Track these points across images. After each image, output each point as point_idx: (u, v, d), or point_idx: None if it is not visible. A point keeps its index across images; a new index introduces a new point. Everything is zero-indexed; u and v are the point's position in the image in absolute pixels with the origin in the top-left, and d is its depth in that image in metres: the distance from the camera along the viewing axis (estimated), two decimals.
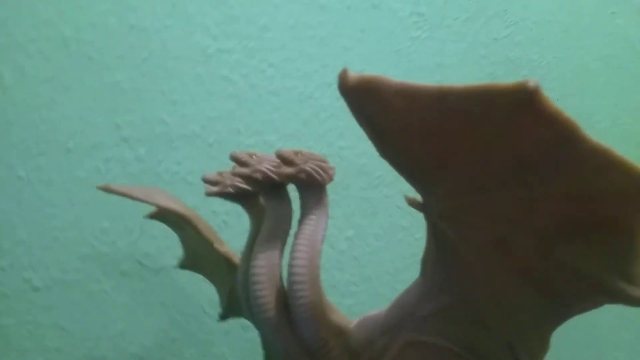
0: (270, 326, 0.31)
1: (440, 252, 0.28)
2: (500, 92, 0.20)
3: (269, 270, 0.31)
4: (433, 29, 0.68)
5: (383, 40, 0.64)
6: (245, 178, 0.31)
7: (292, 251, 0.31)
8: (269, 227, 0.32)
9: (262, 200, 0.34)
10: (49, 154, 0.48)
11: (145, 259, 0.51)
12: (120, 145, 0.51)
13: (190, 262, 0.45)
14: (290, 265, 0.30)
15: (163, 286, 0.52)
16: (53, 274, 0.48)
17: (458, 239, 0.27)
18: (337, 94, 0.71)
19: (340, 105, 0.63)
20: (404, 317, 0.31)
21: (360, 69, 0.64)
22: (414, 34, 0.67)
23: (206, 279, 0.45)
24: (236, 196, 0.33)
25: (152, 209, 0.43)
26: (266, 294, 0.30)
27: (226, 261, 0.39)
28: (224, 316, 0.43)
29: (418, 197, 0.27)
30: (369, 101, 0.22)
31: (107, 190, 0.40)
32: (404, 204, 0.70)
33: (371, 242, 0.65)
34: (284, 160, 0.31)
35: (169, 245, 0.51)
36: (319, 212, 0.32)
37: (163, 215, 0.43)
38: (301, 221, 0.32)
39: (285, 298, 0.31)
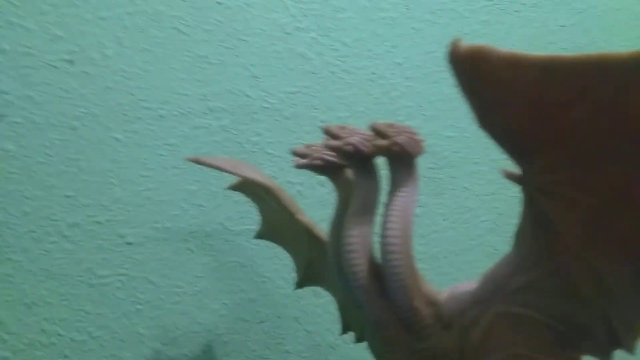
0: (365, 293, 0.32)
1: (535, 226, 0.29)
2: (616, 61, 0.20)
3: (362, 240, 0.32)
4: (502, 13, 0.69)
5: (452, 23, 0.66)
6: (336, 150, 0.32)
7: (385, 222, 0.32)
8: (360, 199, 0.33)
9: (348, 173, 0.35)
10: (143, 119, 0.52)
11: (227, 221, 0.54)
12: (206, 114, 0.54)
13: (268, 233, 0.47)
14: (384, 236, 0.31)
15: (243, 248, 0.54)
16: (145, 231, 0.51)
17: (556, 213, 0.27)
18: (407, 74, 0.73)
19: (410, 85, 0.65)
20: (496, 289, 0.32)
21: (430, 50, 0.65)
22: (483, 18, 0.68)
23: (283, 249, 0.47)
24: (324, 168, 0.34)
25: (234, 179, 0.45)
26: (360, 263, 0.32)
27: (306, 231, 0.40)
28: (300, 284, 0.44)
29: (514, 170, 0.27)
30: (477, 71, 0.23)
31: (196, 162, 0.42)
32: (471, 185, 0.71)
33: (438, 222, 0.66)
34: (378, 132, 0.31)
35: (250, 210, 0.53)
36: (410, 184, 0.32)
37: (244, 186, 0.45)
38: (392, 193, 0.32)
39: (377, 268, 0.32)
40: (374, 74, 0.63)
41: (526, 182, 0.27)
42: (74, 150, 0.49)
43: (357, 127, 0.32)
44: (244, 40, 0.57)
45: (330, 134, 0.32)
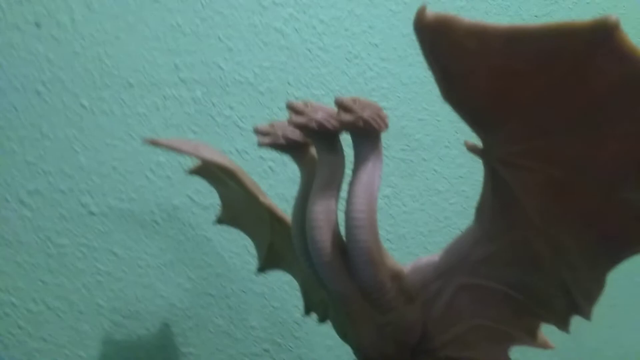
0: (329, 270, 0.32)
1: (497, 198, 0.29)
2: (577, 30, 0.20)
3: (326, 216, 0.32)
4: (477, 0, 0.69)
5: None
6: (301, 127, 0.32)
7: (350, 197, 0.31)
8: (324, 175, 0.32)
9: (313, 151, 0.34)
10: (111, 87, 0.50)
11: (195, 195, 0.53)
12: (178, 85, 0.53)
13: (228, 218, 0.46)
14: (348, 211, 0.31)
15: (210, 223, 0.53)
16: (109, 201, 0.50)
17: (517, 185, 0.27)
18: (383, 55, 0.74)
19: (385, 67, 0.65)
20: (458, 261, 0.32)
21: (406, 33, 0.65)
22: (458, 4, 0.68)
23: (244, 234, 0.46)
24: (287, 147, 0.34)
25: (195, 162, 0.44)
26: (325, 239, 0.31)
27: (269, 214, 0.40)
28: (261, 268, 0.44)
29: (476, 143, 0.27)
30: (441, 40, 0.22)
31: (154, 143, 0.40)
32: (440, 168, 0.72)
33: (407, 203, 0.66)
34: (344, 107, 0.31)
35: None
36: (374, 159, 0.32)
37: (205, 170, 0.44)
38: (357, 168, 0.32)
39: (342, 244, 0.32)
40: (350, 53, 0.63)
41: (488, 154, 0.27)
42: (37, 115, 0.47)
43: (321, 104, 0.31)
44: (219, 12, 0.55)
45: (294, 110, 0.31)
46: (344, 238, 0.32)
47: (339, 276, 0.32)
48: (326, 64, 0.61)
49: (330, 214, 0.32)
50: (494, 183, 0.28)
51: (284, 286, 0.57)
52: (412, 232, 0.66)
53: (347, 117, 0.30)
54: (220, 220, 0.46)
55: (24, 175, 0.46)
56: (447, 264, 0.32)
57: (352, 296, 0.32)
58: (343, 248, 0.32)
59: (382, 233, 0.67)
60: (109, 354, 0.49)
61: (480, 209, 0.31)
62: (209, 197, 0.53)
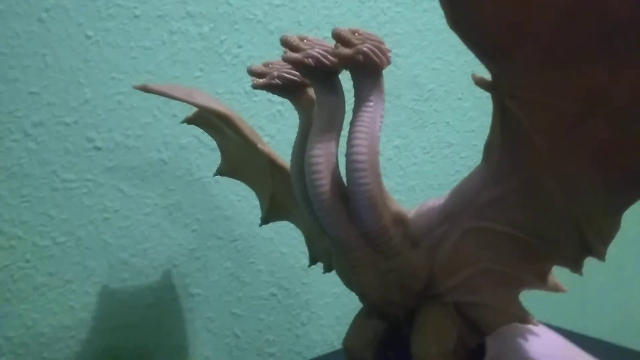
0: (330, 215, 0.30)
1: (506, 136, 0.28)
2: None
3: (326, 159, 0.30)
4: None
5: None
6: (296, 64, 0.30)
7: (351, 139, 0.30)
8: (324, 117, 0.31)
9: (311, 92, 0.33)
10: (117, 18, 0.48)
11: (203, 135, 0.51)
12: (185, 19, 0.51)
13: (228, 169, 0.44)
14: (349, 153, 0.30)
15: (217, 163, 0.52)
16: (115, 137, 0.48)
17: (528, 120, 0.26)
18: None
19: (399, 12, 0.63)
20: (464, 204, 0.31)
21: None
22: None
23: (246, 185, 0.45)
24: (284, 88, 0.32)
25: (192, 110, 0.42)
26: (325, 183, 0.30)
27: (269, 162, 0.38)
28: (265, 220, 0.43)
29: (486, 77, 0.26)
30: None
31: (145, 89, 0.38)
32: (453, 121, 0.70)
33: (417, 154, 0.65)
34: (341, 39, 0.28)
35: None
36: (376, 97, 0.30)
37: (201, 118, 0.43)
38: (357, 108, 0.30)
39: (342, 188, 0.31)
40: None
41: (497, 88, 0.26)
42: (40, 44, 0.45)
43: (319, 39, 0.29)
44: None
45: (289, 45, 0.29)
46: (345, 182, 0.30)
47: (340, 222, 0.31)
48: (339, 5, 0.59)
49: (330, 158, 0.30)
50: (503, 119, 0.27)
51: (291, 232, 0.56)
52: (421, 185, 0.65)
53: (345, 51, 0.28)
54: (220, 172, 0.45)
55: (28, 106, 0.45)
56: (453, 207, 0.31)
57: (354, 242, 0.31)
58: (344, 193, 0.30)
59: (391, 184, 0.66)
60: (115, 291, 0.49)
61: (489, 148, 0.30)
62: None
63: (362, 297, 0.34)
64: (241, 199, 0.54)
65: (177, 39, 0.51)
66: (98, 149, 0.48)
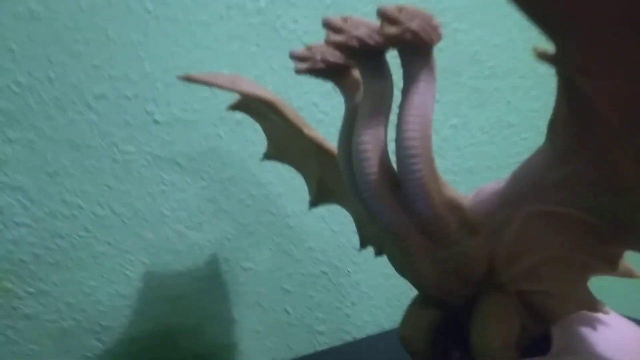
0: (380, 204, 0.29)
1: (573, 113, 0.25)
2: None
3: (375, 146, 0.29)
4: None
5: None
6: (340, 47, 0.28)
7: (401, 123, 0.28)
8: (370, 101, 0.29)
9: (356, 74, 0.31)
10: None
11: None
12: None
13: (275, 153, 0.44)
14: (400, 139, 0.28)
15: None
16: (174, 111, 0.49)
17: (598, 96, 0.23)
18: None
19: None
20: (528, 187, 0.28)
21: None
22: None
23: (293, 169, 0.44)
24: (328, 72, 0.30)
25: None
26: (375, 171, 0.28)
27: (316, 147, 0.37)
28: (313, 203, 0.42)
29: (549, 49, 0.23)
30: None
31: (189, 79, 0.38)
32: (514, 100, 0.67)
33: (476, 134, 0.63)
34: (387, 17, 0.26)
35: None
36: (427, 78, 0.28)
37: (245, 105, 0.42)
38: (407, 90, 0.28)
39: (393, 175, 0.29)
40: None
41: (562, 61, 0.23)
42: (102, 17, 0.46)
43: (363, 19, 0.28)
44: None
45: (331, 27, 0.28)
46: (396, 169, 0.29)
47: (391, 210, 0.29)
48: None
49: (378, 144, 0.29)
50: (570, 95, 0.24)
51: (343, 211, 0.55)
52: (479, 166, 0.63)
53: (391, 29, 0.26)
54: (267, 156, 0.44)
55: (90, 79, 0.46)
56: (515, 191, 0.29)
57: (406, 231, 0.30)
58: (395, 180, 0.29)
59: (447, 165, 0.64)
60: (171, 262, 0.50)
61: (553, 127, 0.27)
62: None
63: (417, 287, 0.33)
64: (294, 176, 0.54)
65: (234, 13, 0.50)
66: (157, 122, 0.48)
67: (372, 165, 0.29)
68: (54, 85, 0.45)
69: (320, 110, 0.55)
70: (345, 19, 0.28)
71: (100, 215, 0.47)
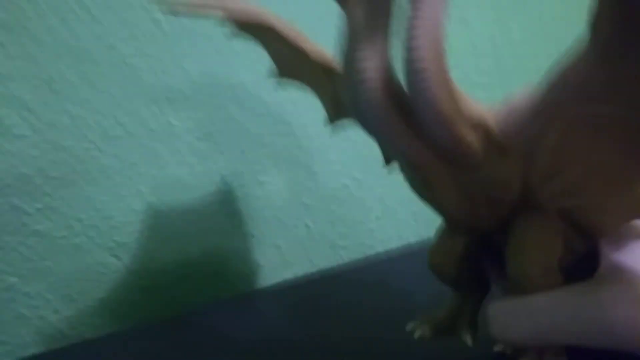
0: (388, 130, 0.25)
1: (619, 6, 0.20)
2: None
3: (377, 63, 0.24)
4: None
5: None
6: None
7: (409, 35, 0.23)
8: (369, 9, 0.24)
9: None
10: None
11: None
12: None
13: (284, 72, 0.39)
14: (407, 58, 0.23)
15: None
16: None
17: None
18: None
19: None
20: (567, 92, 0.23)
21: None
22: None
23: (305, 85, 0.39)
24: None
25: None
26: (378, 95, 0.24)
27: (323, 69, 0.33)
28: (330, 121, 0.38)
29: None
30: None
31: (174, 13, 0.35)
32: None
33: (515, 31, 0.56)
34: None
35: None
36: None
37: (243, 27, 0.36)
38: None
39: (401, 96, 0.24)
40: None
41: None
42: None
43: None
44: None
45: None
46: (405, 88, 0.24)
47: (401, 137, 0.25)
48: None
49: (382, 61, 0.24)
50: None
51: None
52: (517, 67, 0.57)
53: None
54: (278, 75, 0.39)
55: None
56: (551, 99, 0.24)
57: (422, 159, 0.26)
58: (405, 100, 0.24)
59: (481, 65, 0.58)
60: (183, 176, 0.47)
61: (596, 23, 0.22)
62: None
63: (442, 215, 0.30)
64: None
65: None
66: (157, 21, 0.44)
67: (374, 88, 0.24)
68: None
69: None
70: None
71: (104, 125, 0.44)
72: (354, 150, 0.52)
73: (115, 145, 0.44)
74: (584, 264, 0.29)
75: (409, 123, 0.25)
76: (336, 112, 0.38)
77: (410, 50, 0.23)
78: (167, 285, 0.48)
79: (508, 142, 0.26)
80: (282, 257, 0.52)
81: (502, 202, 0.28)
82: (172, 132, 0.46)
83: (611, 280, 0.26)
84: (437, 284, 0.34)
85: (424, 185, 0.28)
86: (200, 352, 0.38)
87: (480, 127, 0.26)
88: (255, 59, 0.47)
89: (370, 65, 0.24)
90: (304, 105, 0.50)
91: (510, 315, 0.28)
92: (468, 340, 0.33)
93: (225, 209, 0.49)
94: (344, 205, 0.54)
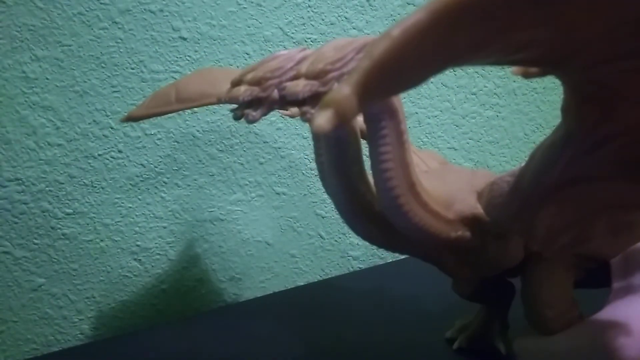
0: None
1: (588, 99, 0.23)
2: None
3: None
4: None
5: None
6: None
7: (376, 190, 0.27)
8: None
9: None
10: None
11: (287, 27, 0.49)
12: None
13: None
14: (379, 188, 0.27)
15: None
16: (200, 27, 0.47)
17: (620, 87, 0.22)
18: None
19: None
20: (548, 170, 0.26)
21: None
22: None
23: None
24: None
25: None
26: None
27: None
28: None
29: None
30: None
31: (131, 119, 0.35)
32: None
33: None
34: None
35: (313, 16, 0.48)
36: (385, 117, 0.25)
37: None
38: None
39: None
40: None
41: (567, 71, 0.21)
42: None
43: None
44: None
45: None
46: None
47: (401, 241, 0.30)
48: None
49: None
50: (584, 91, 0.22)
51: None
52: (523, 88, 0.59)
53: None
54: None
55: None
56: (535, 179, 0.26)
57: (434, 251, 0.30)
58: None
59: (489, 86, 0.60)
60: (204, 185, 0.49)
61: (566, 110, 0.24)
62: (301, 31, 0.49)
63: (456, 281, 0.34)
64: None
65: None
66: (184, 39, 0.46)
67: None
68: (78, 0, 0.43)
69: (354, 26, 0.52)
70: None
71: (132, 135, 0.46)
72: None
73: (143, 155, 0.47)
74: (597, 274, 0.31)
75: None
76: None
77: (381, 194, 0.27)
78: (186, 288, 0.50)
79: (502, 229, 0.28)
80: (296, 265, 0.54)
81: (509, 267, 0.30)
82: (194, 143, 0.48)
83: (621, 320, 0.28)
84: (445, 292, 0.35)
85: (442, 270, 0.31)
86: (216, 350, 0.40)
87: (474, 220, 0.28)
88: None
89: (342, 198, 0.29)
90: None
91: (534, 355, 0.30)
92: (502, 348, 0.35)
93: (242, 218, 0.51)
94: None
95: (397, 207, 0.26)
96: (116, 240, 0.47)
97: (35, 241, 0.44)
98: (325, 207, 0.54)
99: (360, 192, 0.28)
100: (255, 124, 0.50)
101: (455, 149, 0.60)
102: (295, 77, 0.23)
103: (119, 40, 0.44)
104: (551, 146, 0.26)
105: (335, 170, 0.28)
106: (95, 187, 0.45)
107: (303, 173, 0.52)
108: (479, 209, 0.28)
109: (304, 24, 0.50)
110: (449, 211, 0.28)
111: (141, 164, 0.47)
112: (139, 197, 0.47)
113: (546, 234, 0.27)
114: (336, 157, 0.28)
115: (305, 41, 0.49)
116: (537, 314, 0.29)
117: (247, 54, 0.48)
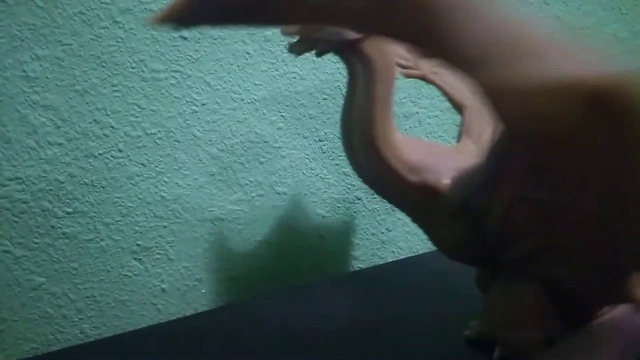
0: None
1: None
2: None
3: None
4: None
5: None
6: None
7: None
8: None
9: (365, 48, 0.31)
10: None
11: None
12: None
13: None
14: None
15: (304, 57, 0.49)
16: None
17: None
18: None
19: None
20: (505, 168, 0.27)
21: None
22: None
23: None
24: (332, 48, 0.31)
25: None
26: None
27: None
28: None
29: None
30: None
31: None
32: (565, 14, 0.61)
33: None
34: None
35: None
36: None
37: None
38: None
39: None
40: None
41: None
42: None
43: None
44: None
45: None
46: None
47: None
48: None
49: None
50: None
51: None
52: None
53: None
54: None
55: None
56: (492, 175, 0.27)
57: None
58: None
59: None
60: (204, 185, 0.49)
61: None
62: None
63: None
64: (326, 97, 0.52)
65: None
66: (184, 38, 0.46)
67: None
68: None
69: None
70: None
71: (132, 135, 0.46)
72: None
73: (143, 154, 0.46)
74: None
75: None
76: None
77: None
78: (186, 288, 0.50)
79: (458, 211, 0.29)
80: (297, 264, 0.54)
81: (473, 253, 0.31)
82: (195, 143, 0.48)
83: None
84: (445, 292, 0.35)
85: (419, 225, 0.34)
86: (217, 350, 0.40)
87: (432, 193, 0.30)
88: (276, 75, 0.50)
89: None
90: (320, 119, 0.52)
91: None
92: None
93: (244, 217, 0.51)
94: (357, 217, 0.56)
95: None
96: (116, 240, 0.47)
97: (36, 240, 0.44)
98: (325, 207, 0.54)
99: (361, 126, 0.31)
100: (255, 124, 0.50)
101: None
102: None
103: (120, 40, 0.44)
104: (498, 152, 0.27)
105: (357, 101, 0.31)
106: (96, 186, 0.45)
107: (303, 173, 0.52)
108: (443, 185, 0.30)
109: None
110: (412, 174, 0.30)
111: (141, 163, 0.47)
112: (139, 196, 0.47)
113: (499, 233, 0.28)
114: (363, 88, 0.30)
115: None
116: (487, 327, 0.31)
117: (248, 53, 0.48)
